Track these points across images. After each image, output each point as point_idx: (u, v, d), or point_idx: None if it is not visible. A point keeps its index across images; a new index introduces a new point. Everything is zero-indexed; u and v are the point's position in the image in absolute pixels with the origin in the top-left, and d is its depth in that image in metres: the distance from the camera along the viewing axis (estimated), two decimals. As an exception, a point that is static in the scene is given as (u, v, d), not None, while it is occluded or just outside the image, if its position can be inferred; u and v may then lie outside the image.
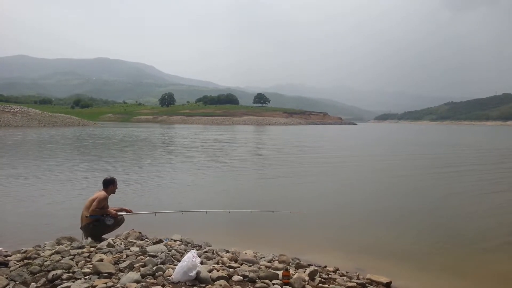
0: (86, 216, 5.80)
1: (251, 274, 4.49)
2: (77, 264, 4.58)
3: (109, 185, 6.06)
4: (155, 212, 6.62)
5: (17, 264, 4.62)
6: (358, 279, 5.17)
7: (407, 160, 22.23)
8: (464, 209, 10.16)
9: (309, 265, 5.41)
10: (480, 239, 7.49)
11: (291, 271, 4.82)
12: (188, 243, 6.17)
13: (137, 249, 5.29)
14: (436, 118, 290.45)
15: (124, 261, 4.77)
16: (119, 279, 4.17)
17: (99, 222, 5.82)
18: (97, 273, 4.28)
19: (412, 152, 28.83)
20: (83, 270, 4.34)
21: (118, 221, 6.03)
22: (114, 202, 6.74)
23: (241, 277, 4.44)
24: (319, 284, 4.67)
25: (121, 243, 5.62)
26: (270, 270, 4.80)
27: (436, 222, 8.72)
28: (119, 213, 6.05)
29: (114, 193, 6.23)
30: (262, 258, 5.64)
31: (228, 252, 5.83)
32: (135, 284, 3.97)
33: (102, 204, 5.85)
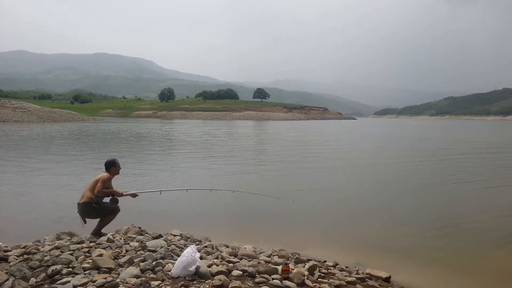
0: (92, 197, 5.74)
1: (250, 269, 4.49)
2: (76, 259, 4.59)
3: (111, 166, 5.97)
4: (160, 190, 6.71)
5: (17, 259, 4.62)
6: (357, 273, 5.17)
7: (405, 155, 22.23)
8: (465, 204, 10.17)
9: (308, 260, 5.42)
10: (481, 234, 7.49)
11: (291, 266, 4.83)
12: (188, 238, 6.18)
13: (136, 244, 5.29)
14: (436, 113, 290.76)
15: (123, 256, 4.78)
16: (118, 274, 4.18)
17: (99, 205, 5.74)
18: (97, 268, 4.28)
19: (410, 146, 28.82)
20: (82, 265, 4.34)
21: (114, 209, 5.92)
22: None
23: (241, 272, 4.45)
24: (319, 279, 4.67)
25: (120, 238, 5.62)
26: (270, 265, 4.80)
27: (436, 217, 8.73)
28: (124, 193, 5.95)
29: (118, 173, 6.13)
30: (261, 253, 5.64)
31: (227, 247, 5.84)
32: (134, 279, 3.97)
33: (106, 184, 5.78)
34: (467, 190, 12.03)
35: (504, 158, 21.26)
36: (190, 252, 4.31)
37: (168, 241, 5.59)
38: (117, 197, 5.82)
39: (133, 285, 3.85)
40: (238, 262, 4.88)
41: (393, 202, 10.35)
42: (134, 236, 5.87)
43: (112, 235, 5.76)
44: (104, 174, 5.85)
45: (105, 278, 4.01)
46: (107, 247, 5.09)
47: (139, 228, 6.44)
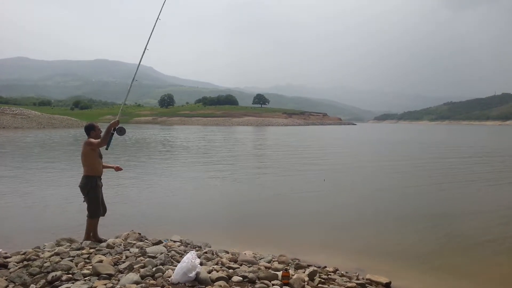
0: (87, 174, 5.71)
1: (250, 275, 4.49)
2: (76, 266, 4.58)
3: (90, 130, 5.89)
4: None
5: (17, 266, 4.62)
6: (357, 279, 5.16)
7: (405, 160, 22.22)
8: (466, 208, 10.14)
9: (308, 266, 5.41)
10: (482, 239, 7.47)
11: (291, 271, 4.83)
12: (188, 244, 6.18)
13: (136, 250, 5.30)
14: (436, 118, 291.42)
15: (123, 262, 4.78)
16: (118, 280, 4.18)
17: (90, 187, 5.70)
18: (97, 274, 4.28)
19: (409, 152, 28.83)
20: (82, 272, 4.34)
21: (97, 207, 5.80)
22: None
23: (241, 278, 4.45)
24: (319, 285, 4.67)
25: (120, 244, 5.62)
26: (270, 270, 4.80)
27: (436, 222, 8.71)
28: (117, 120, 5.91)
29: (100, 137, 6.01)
30: (261, 258, 5.64)
31: (227, 253, 5.83)
32: (134, 285, 3.97)
33: (96, 139, 5.76)
34: (468, 193, 12.01)
35: (504, 161, 21.27)
36: (190, 258, 4.31)
37: (168, 247, 5.59)
38: (118, 127, 5.81)
39: (133, 291, 3.85)
40: (238, 268, 4.88)
41: (393, 206, 10.34)
42: (134, 242, 5.87)
43: (112, 241, 5.76)
44: (87, 139, 5.80)
45: (105, 285, 4.01)
46: (107, 253, 5.09)
47: (139, 234, 6.44)
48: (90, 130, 5.91)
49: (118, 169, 6.25)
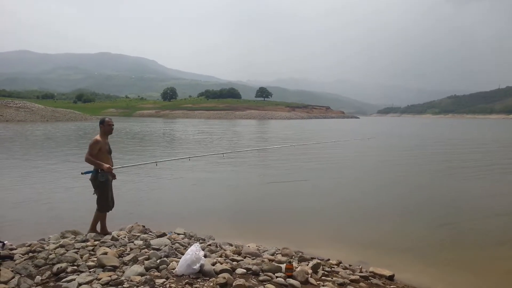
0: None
1: (254, 267, 4.50)
2: (81, 257, 4.61)
3: (99, 125, 5.85)
4: (156, 162, 7.31)
5: (22, 258, 4.66)
6: (361, 272, 5.18)
7: (408, 154, 22.18)
8: (471, 201, 10.13)
9: (312, 258, 5.43)
10: (486, 233, 7.46)
11: (294, 264, 4.84)
12: (192, 236, 6.20)
13: (141, 242, 5.32)
14: (439, 111, 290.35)
15: (128, 254, 4.81)
16: (123, 272, 4.20)
17: (97, 178, 5.61)
18: (102, 266, 4.31)
19: (414, 146, 28.75)
20: (87, 263, 4.37)
21: (106, 200, 5.71)
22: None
23: (245, 270, 4.46)
24: (322, 277, 4.68)
25: (125, 237, 5.65)
26: (273, 263, 4.81)
27: (440, 216, 8.70)
28: (105, 165, 5.60)
29: (111, 133, 5.90)
30: (265, 251, 5.65)
31: (231, 245, 5.85)
32: (139, 277, 3.99)
33: (94, 149, 5.57)
34: (473, 187, 11.99)
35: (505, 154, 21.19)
36: (194, 251, 4.33)
37: (172, 240, 5.61)
38: (101, 170, 5.61)
39: (137, 283, 3.87)
40: (242, 260, 4.90)
41: (397, 200, 10.33)
42: (138, 234, 5.90)
43: (117, 233, 5.79)
44: (93, 138, 5.69)
45: (110, 276, 4.03)
46: (111, 246, 5.11)
47: (143, 226, 6.47)
48: (100, 124, 5.88)
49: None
